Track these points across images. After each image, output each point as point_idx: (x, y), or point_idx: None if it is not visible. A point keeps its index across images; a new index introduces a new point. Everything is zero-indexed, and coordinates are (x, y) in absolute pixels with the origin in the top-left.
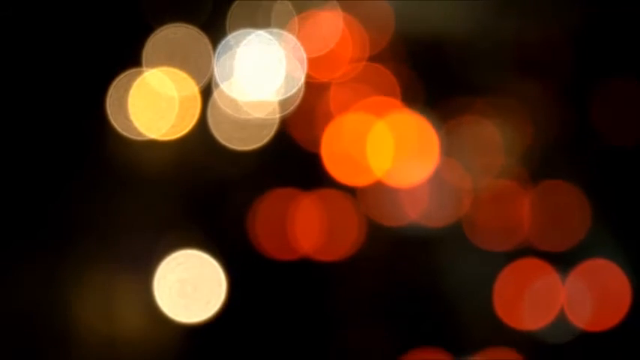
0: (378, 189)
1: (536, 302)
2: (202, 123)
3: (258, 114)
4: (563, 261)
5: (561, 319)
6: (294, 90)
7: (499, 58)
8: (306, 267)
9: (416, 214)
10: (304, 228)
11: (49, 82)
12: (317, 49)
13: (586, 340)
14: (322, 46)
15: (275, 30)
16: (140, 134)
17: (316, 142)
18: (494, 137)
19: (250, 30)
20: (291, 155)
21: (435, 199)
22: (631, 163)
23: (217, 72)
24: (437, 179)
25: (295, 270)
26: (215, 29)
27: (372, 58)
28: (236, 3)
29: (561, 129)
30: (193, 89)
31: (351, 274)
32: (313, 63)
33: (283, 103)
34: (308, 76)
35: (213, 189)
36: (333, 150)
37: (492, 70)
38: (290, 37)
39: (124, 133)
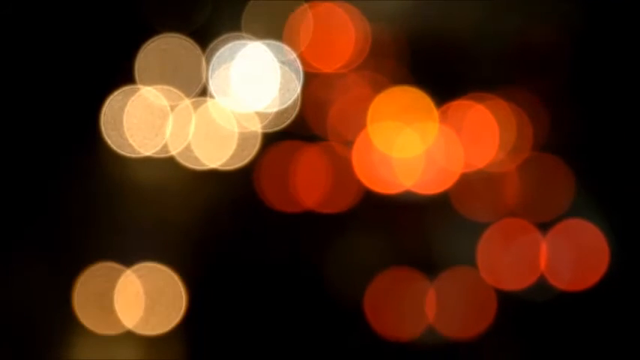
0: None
1: (517, 262)
2: (195, 139)
3: (253, 126)
4: (545, 226)
5: (541, 279)
6: (291, 101)
7: (499, 57)
8: (309, 219)
9: (410, 182)
10: (308, 181)
11: (42, 99)
12: (316, 43)
13: (564, 299)
14: (322, 38)
15: (272, 40)
16: (134, 151)
17: (321, 132)
18: (489, 122)
19: (245, 37)
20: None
21: (429, 169)
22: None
23: (211, 83)
24: (432, 151)
25: (299, 222)
26: (208, 37)
27: (372, 53)
28: (230, 6)
29: (559, 125)
30: (187, 104)
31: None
32: (313, 56)
33: (280, 114)
34: (309, 67)
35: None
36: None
37: (492, 67)
38: (286, 46)
39: (118, 150)
